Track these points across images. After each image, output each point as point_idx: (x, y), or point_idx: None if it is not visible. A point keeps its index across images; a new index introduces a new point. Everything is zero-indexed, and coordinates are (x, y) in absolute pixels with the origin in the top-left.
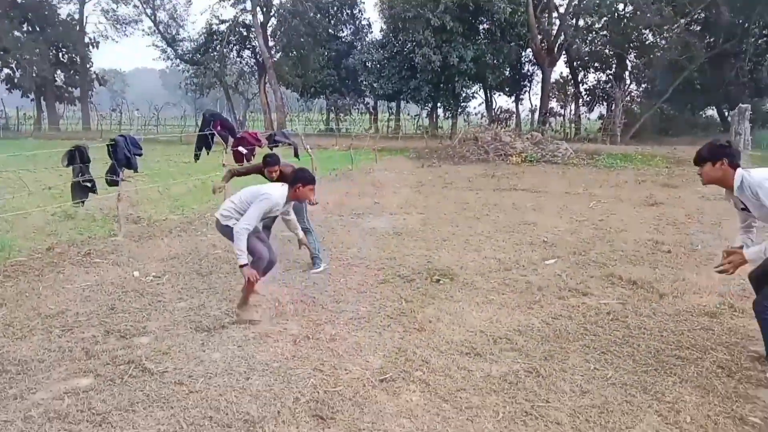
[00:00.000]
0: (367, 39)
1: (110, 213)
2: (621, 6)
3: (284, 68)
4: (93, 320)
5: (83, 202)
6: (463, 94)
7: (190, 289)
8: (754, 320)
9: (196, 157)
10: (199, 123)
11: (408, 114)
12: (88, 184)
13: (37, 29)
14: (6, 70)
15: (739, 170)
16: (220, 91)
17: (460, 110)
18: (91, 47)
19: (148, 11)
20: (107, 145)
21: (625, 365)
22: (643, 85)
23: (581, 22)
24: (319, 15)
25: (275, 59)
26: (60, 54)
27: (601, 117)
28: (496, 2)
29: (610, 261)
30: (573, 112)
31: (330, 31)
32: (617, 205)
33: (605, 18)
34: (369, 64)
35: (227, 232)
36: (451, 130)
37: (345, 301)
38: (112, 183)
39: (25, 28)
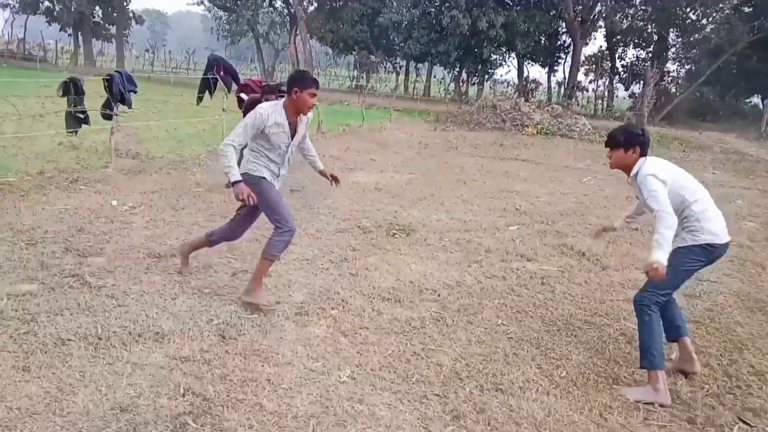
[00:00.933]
0: None
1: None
2: None
3: (316, 21)
4: (58, 239)
5: (76, 132)
6: (491, 61)
7: (158, 220)
8: (682, 299)
9: (199, 99)
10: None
11: (435, 77)
12: (81, 115)
13: None
14: (47, 3)
15: (641, 159)
16: (252, 39)
17: (487, 77)
18: None
19: None
20: (103, 80)
21: (532, 324)
22: (687, 66)
23: None
24: None
25: (308, 11)
26: None
27: (632, 95)
28: None
29: (571, 232)
30: (604, 86)
31: None
32: (610, 182)
33: None
34: (399, 23)
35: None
36: (476, 97)
37: (297, 244)
38: (106, 117)
39: None
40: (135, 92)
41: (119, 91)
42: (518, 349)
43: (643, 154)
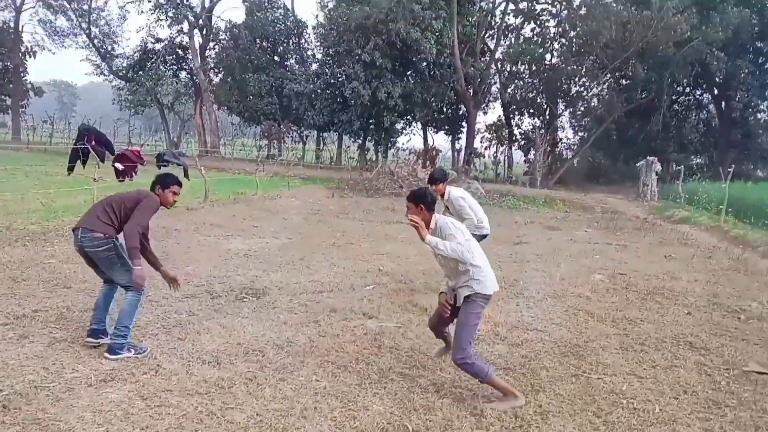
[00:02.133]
0: (311, 69)
1: None
2: (548, 56)
3: (223, 91)
4: None
5: (72, 167)
6: (394, 129)
7: None
8: (504, 348)
9: (70, 169)
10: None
11: (344, 146)
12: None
13: None
14: None
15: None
16: (156, 109)
17: (390, 144)
18: (26, 56)
19: (84, 25)
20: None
21: (347, 379)
22: (581, 134)
23: (513, 68)
24: (265, 42)
25: (213, 82)
26: None
27: (527, 161)
28: (423, 43)
29: (424, 290)
30: (503, 153)
31: (275, 58)
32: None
33: (533, 66)
34: (302, 94)
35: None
36: (378, 164)
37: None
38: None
39: None
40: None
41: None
42: (321, 403)
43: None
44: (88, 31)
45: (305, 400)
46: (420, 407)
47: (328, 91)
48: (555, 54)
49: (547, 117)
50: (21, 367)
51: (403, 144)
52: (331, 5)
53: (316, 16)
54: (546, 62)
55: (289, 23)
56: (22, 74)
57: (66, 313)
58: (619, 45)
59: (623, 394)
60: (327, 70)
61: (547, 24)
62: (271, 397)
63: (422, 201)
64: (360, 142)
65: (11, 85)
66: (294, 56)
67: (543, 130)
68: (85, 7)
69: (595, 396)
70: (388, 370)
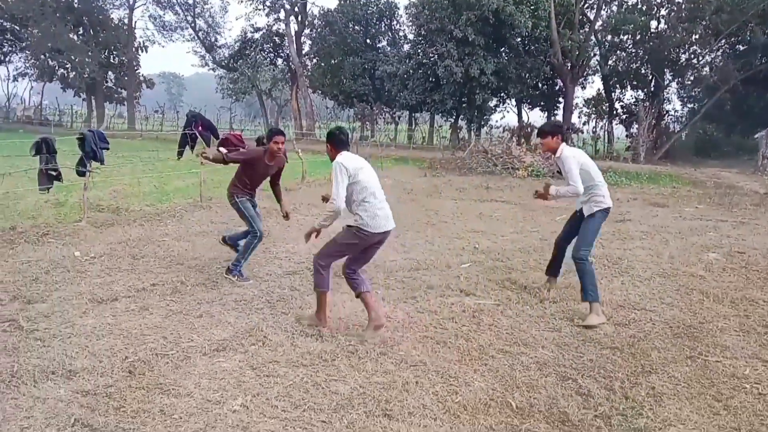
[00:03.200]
0: (403, 50)
1: (94, 201)
2: (654, 24)
3: (317, 76)
4: (9, 287)
5: (48, 188)
6: (486, 107)
7: (113, 269)
8: (609, 327)
9: (179, 154)
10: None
11: (433, 125)
12: (53, 173)
13: (90, 32)
14: (61, 70)
15: (563, 144)
16: (255, 96)
17: (483, 122)
18: (139, 51)
19: (189, 18)
20: (77, 138)
21: (447, 355)
22: (690, 105)
23: (614, 39)
24: (357, 26)
25: (308, 67)
26: (111, 56)
27: (629, 136)
28: (517, 17)
29: (522, 268)
30: (602, 128)
31: (367, 41)
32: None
33: (637, 35)
34: (395, 75)
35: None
36: (471, 143)
37: (241, 285)
38: (81, 173)
39: (79, 32)
40: (107, 149)
41: (92, 149)
42: (421, 377)
43: (563, 139)
44: (193, 24)
45: (406, 374)
46: (522, 384)
47: (420, 71)
48: (661, 21)
49: (652, 89)
50: (143, 336)
51: (496, 121)
52: None
53: None
54: (651, 31)
55: (381, 5)
56: (135, 68)
57: (180, 287)
58: (736, 8)
59: (746, 379)
60: (419, 50)
61: None
62: (373, 370)
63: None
64: (452, 121)
65: (126, 78)
66: (386, 38)
67: (647, 103)
68: (190, 1)
69: (714, 379)
70: (488, 346)
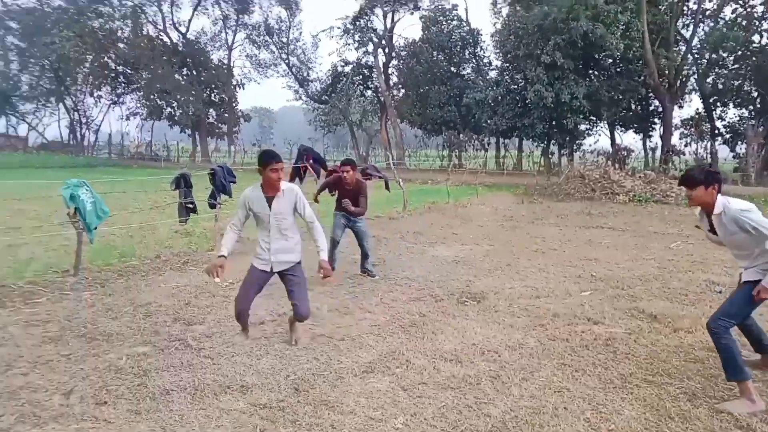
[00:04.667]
0: (488, 77)
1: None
2: (756, 38)
3: (405, 105)
4: (169, 311)
5: (186, 220)
6: (579, 131)
7: None
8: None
9: None
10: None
11: (524, 152)
12: (190, 205)
13: (194, 73)
14: (168, 109)
15: (720, 196)
16: (346, 127)
17: (575, 147)
18: (237, 88)
19: (283, 55)
20: (208, 174)
21: (588, 382)
22: None
23: (713, 56)
24: (441, 55)
25: (396, 98)
26: (212, 94)
27: (736, 156)
28: (608, 39)
29: (647, 296)
30: (705, 149)
31: (452, 69)
32: (700, 247)
33: (738, 51)
34: (483, 101)
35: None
36: (566, 168)
37: (372, 311)
38: (211, 206)
39: (184, 72)
40: (234, 182)
41: (221, 182)
42: (569, 404)
43: (720, 190)
44: (287, 61)
45: (553, 399)
46: (675, 415)
47: (508, 97)
48: (764, 36)
49: (758, 106)
50: (296, 357)
51: (589, 145)
52: (505, 11)
53: (494, 24)
54: (754, 45)
55: (464, 33)
56: (234, 104)
57: (317, 312)
58: None
59: None
60: (506, 76)
61: (751, 2)
62: (519, 395)
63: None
64: (543, 146)
65: (226, 114)
66: (470, 65)
67: (753, 121)
68: (284, 39)
69: None
70: (629, 375)
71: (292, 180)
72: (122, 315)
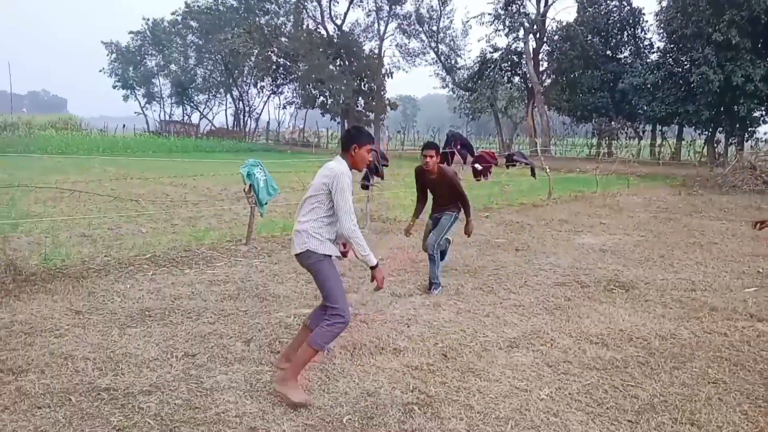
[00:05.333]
0: (648, 60)
1: (375, 212)
2: None
3: (553, 92)
4: None
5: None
6: (752, 118)
7: (400, 270)
8: None
9: None
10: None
11: (684, 140)
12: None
13: (346, 63)
14: (321, 98)
15: None
16: (491, 114)
17: (747, 136)
18: (386, 77)
19: (432, 44)
20: None
21: (747, 377)
22: None
23: None
24: (596, 38)
25: (545, 84)
26: (362, 84)
27: None
28: None
29: None
30: None
31: (607, 53)
32: None
33: None
34: (641, 86)
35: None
36: (734, 158)
37: (516, 292)
38: (364, 187)
39: (337, 63)
40: (386, 166)
41: (374, 165)
42: (724, 395)
43: None
44: (436, 49)
45: (707, 389)
46: None
47: (670, 81)
48: None
49: None
50: (443, 327)
51: (764, 134)
52: None
53: (659, 2)
54: None
55: (624, 13)
56: (382, 92)
57: (461, 289)
58: None
59: None
60: (669, 58)
61: None
62: (669, 382)
63: None
64: (707, 134)
65: (374, 103)
66: (628, 48)
67: None
68: (435, 28)
69: None
70: None
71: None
72: (287, 281)
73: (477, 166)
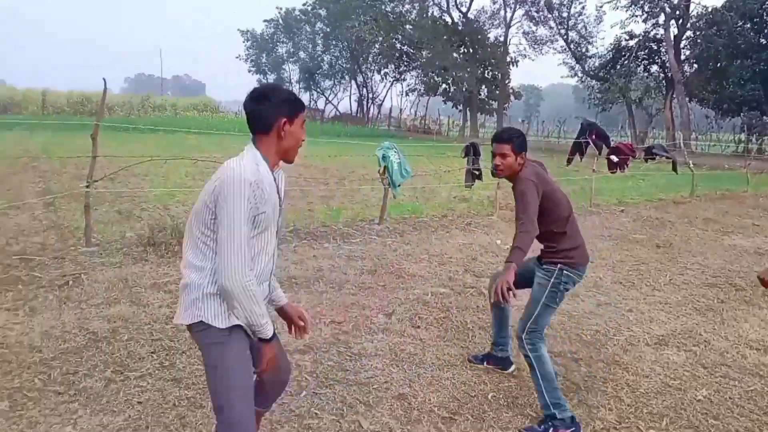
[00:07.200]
0: None
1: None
2: None
3: (696, 83)
4: (459, 262)
5: (471, 185)
6: None
7: None
8: None
9: (568, 161)
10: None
11: None
12: (476, 172)
13: (470, 51)
14: (444, 86)
15: None
16: (623, 105)
17: None
18: (510, 65)
19: (562, 31)
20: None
21: None
22: None
23: None
24: (748, 24)
25: (686, 74)
26: (486, 72)
27: None
28: None
29: None
30: None
31: (761, 40)
32: None
33: None
34: None
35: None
36: None
37: (661, 290)
38: (494, 175)
39: (461, 51)
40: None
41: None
42: None
43: None
44: (565, 36)
45: None
46: None
47: None
48: None
49: None
50: (584, 319)
51: None
52: None
53: None
54: None
55: None
56: (506, 81)
57: (599, 281)
58: None
59: None
60: None
61: None
62: None
63: None
64: None
65: (497, 91)
66: None
67: None
68: (565, 14)
69: None
70: None
71: (572, 155)
72: (420, 261)
73: (613, 158)
